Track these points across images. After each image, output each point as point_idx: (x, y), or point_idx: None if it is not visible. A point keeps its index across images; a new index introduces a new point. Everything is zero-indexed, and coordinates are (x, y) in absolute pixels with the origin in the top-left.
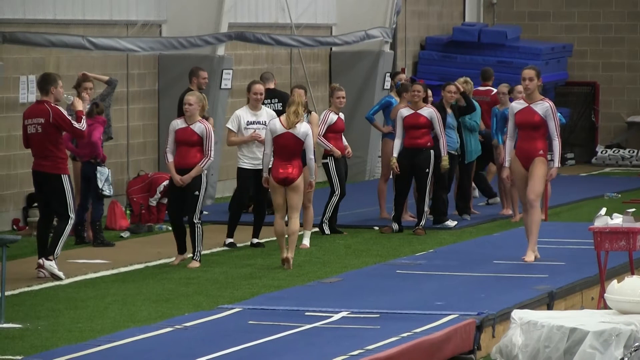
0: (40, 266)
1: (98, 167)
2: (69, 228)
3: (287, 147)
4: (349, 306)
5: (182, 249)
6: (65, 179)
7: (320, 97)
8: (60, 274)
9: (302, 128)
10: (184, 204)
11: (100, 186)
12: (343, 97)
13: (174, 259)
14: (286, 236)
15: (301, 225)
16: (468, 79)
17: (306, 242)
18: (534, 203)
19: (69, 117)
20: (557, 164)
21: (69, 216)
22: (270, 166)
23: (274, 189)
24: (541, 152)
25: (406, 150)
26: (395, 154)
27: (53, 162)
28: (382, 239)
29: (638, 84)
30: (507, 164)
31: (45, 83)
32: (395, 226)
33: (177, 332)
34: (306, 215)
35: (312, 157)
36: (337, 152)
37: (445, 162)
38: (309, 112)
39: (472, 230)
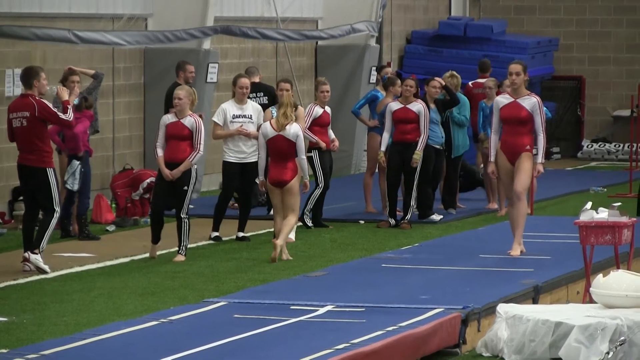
0: (26, 260)
1: (73, 160)
2: (54, 222)
3: (280, 150)
4: (335, 300)
5: (156, 240)
6: (50, 172)
7: (306, 91)
8: (46, 267)
9: (292, 129)
10: (169, 198)
11: (65, 178)
12: (327, 91)
13: (156, 253)
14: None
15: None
16: (454, 72)
17: (292, 235)
18: (521, 196)
19: (55, 109)
20: (540, 159)
21: (55, 210)
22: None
23: (271, 190)
24: (527, 147)
25: (395, 145)
26: (382, 148)
27: (38, 156)
28: (367, 233)
29: (624, 78)
30: (492, 159)
31: (28, 77)
32: (391, 221)
33: (163, 325)
34: None
35: (304, 157)
36: (323, 144)
37: (417, 156)
38: (296, 107)
39: (457, 224)
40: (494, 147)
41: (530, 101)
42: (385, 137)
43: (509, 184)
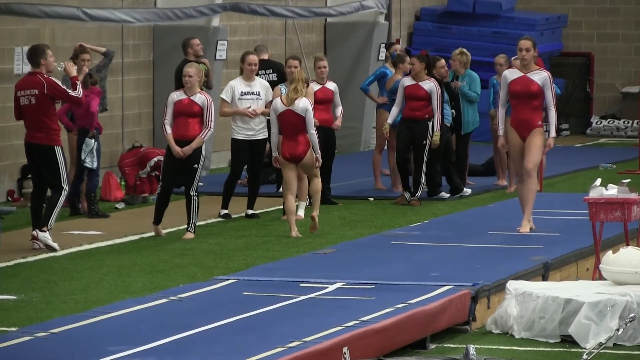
0: (35, 238)
1: (86, 139)
2: (62, 199)
3: (290, 125)
4: (344, 277)
5: (158, 220)
6: (58, 150)
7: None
8: (55, 245)
9: (301, 104)
10: (179, 176)
11: (82, 157)
12: (324, 67)
13: (164, 231)
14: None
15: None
16: (464, 50)
17: (301, 213)
18: (532, 172)
19: (64, 87)
20: (553, 134)
21: (63, 187)
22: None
23: (284, 165)
24: (539, 122)
25: (404, 121)
26: (389, 121)
27: (46, 134)
28: (376, 210)
29: (633, 55)
30: (501, 132)
31: (35, 56)
32: (407, 195)
33: (172, 303)
34: (301, 187)
35: (313, 131)
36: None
37: (436, 137)
38: (307, 83)
39: (466, 201)
40: (502, 121)
41: (540, 75)
42: (394, 112)
43: (519, 160)
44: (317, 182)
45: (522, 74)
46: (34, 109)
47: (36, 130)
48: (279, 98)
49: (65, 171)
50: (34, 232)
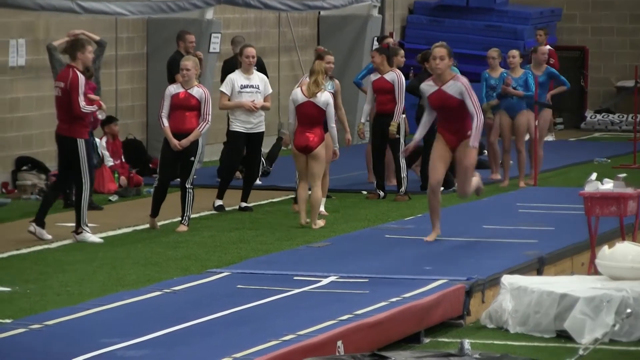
0: (31, 233)
1: (95, 139)
2: (86, 195)
3: (308, 116)
4: (338, 271)
5: (155, 213)
6: (80, 143)
7: (308, 62)
8: (48, 237)
9: (323, 97)
10: (176, 168)
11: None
12: (332, 62)
13: (158, 224)
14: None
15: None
16: (444, 43)
17: (321, 208)
18: (463, 195)
19: (81, 93)
20: (475, 143)
21: (83, 182)
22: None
23: (295, 156)
24: (469, 133)
25: (376, 117)
26: (362, 119)
27: (69, 126)
28: (370, 204)
29: (627, 49)
30: (417, 136)
31: (73, 49)
32: (380, 193)
33: (166, 296)
34: (324, 183)
35: (334, 125)
36: None
37: (392, 127)
38: (332, 79)
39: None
40: (422, 126)
41: (455, 87)
42: (366, 109)
43: (435, 167)
44: (318, 192)
45: (437, 88)
46: (61, 101)
47: (62, 121)
48: (299, 89)
49: (87, 165)
50: (31, 228)
